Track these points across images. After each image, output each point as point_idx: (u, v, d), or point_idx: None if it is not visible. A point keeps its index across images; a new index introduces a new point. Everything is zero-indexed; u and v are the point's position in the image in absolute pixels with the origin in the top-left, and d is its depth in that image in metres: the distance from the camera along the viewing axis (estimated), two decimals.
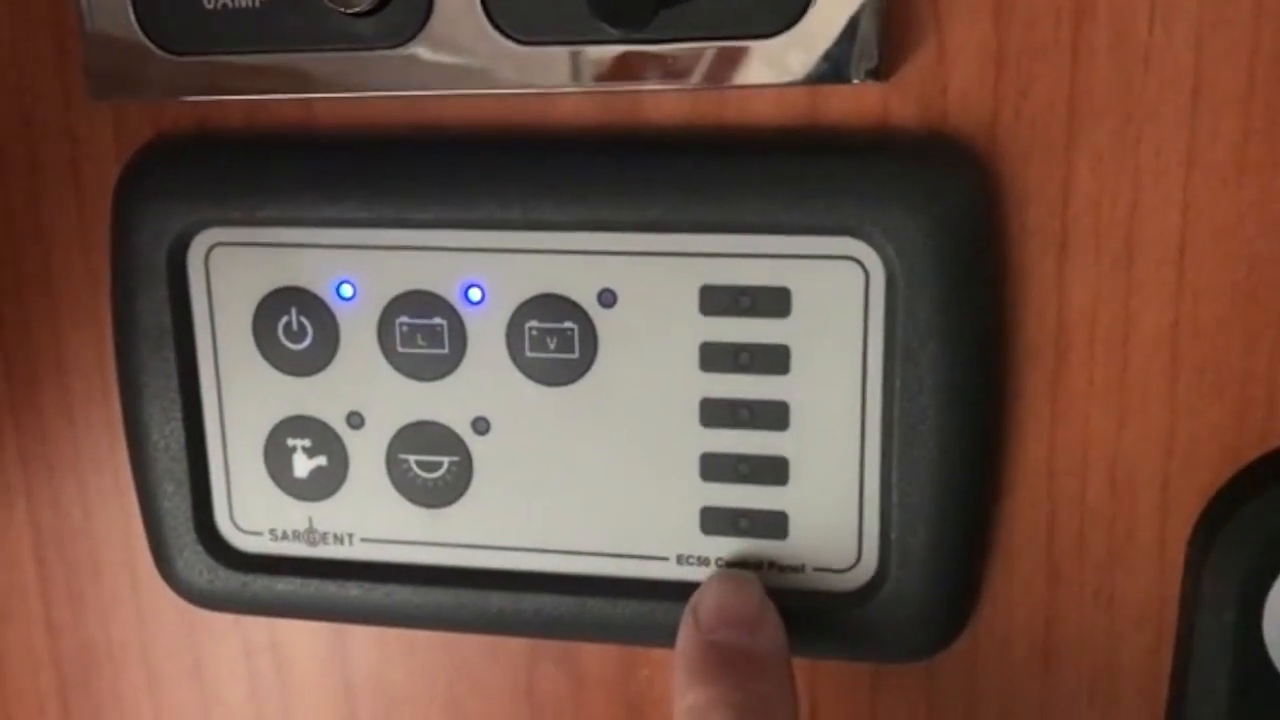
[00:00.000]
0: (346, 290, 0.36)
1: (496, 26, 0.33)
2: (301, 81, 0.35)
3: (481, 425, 0.37)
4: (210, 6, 0.35)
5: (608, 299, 0.35)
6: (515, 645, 0.40)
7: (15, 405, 0.41)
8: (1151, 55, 0.32)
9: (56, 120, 0.38)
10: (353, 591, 0.38)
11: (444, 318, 0.36)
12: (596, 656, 0.39)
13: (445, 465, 0.37)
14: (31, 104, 0.38)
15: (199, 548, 0.39)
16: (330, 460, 0.38)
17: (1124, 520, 0.34)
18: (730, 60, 0.32)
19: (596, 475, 0.36)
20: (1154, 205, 0.32)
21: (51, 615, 0.43)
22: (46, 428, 0.41)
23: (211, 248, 0.37)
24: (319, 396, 0.37)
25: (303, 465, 0.38)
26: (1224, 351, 0.33)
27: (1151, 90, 0.32)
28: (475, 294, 0.36)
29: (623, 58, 0.33)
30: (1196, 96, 0.32)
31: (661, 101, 0.34)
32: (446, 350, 0.36)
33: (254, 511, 0.39)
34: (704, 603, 0.34)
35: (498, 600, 0.37)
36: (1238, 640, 0.33)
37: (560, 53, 0.33)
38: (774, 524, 0.35)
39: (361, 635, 0.41)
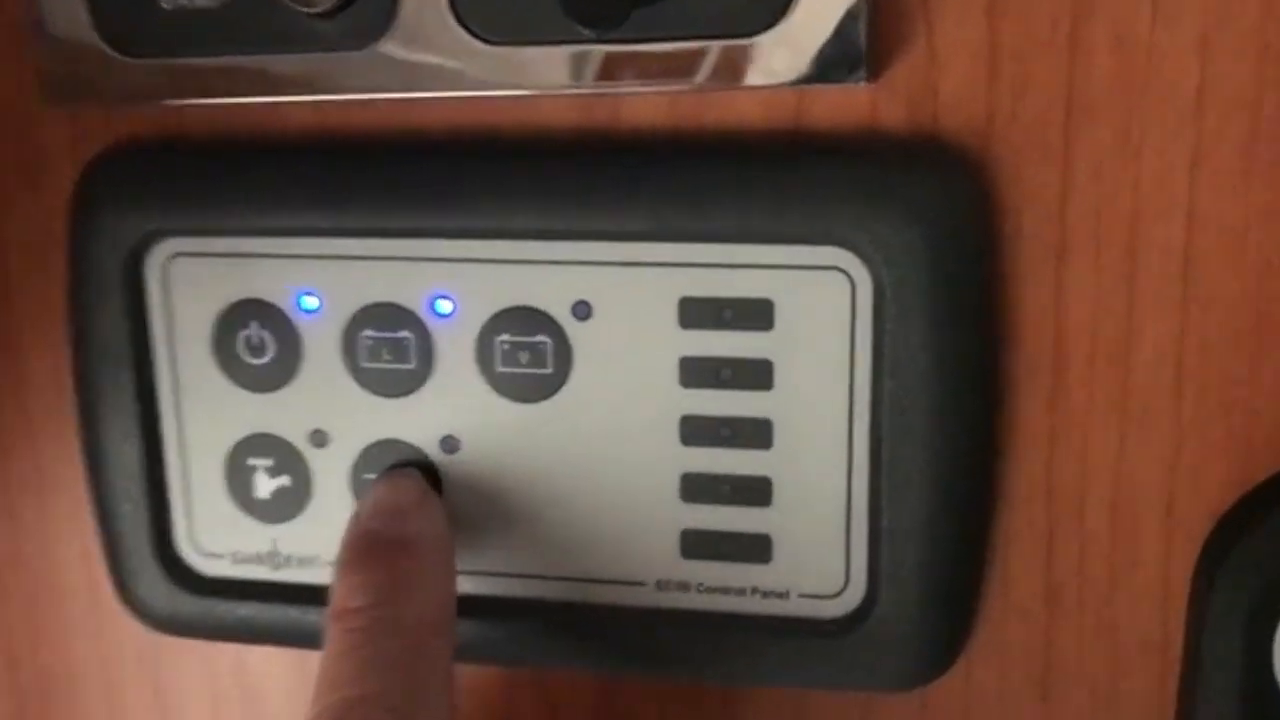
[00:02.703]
0: (309, 302, 0.35)
1: (465, 26, 0.32)
2: (262, 84, 0.33)
3: (450, 444, 0.35)
4: (168, 8, 0.33)
5: (582, 311, 0.33)
6: (490, 673, 0.38)
7: None
8: (1154, 54, 0.30)
9: (12, 127, 0.37)
10: (318, 617, 0.36)
11: (411, 331, 0.34)
12: (573, 684, 0.38)
13: None
14: None
15: (159, 571, 0.37)
16: (293, 480, 0.36)
17: (1126, 544, 0.33)
18: (710, 61, 0.31)
19: (571, 496, 0.35)
20: (1157, 212, 0.31)
21: (10, 640, 0.42)
22: (4, 445, 0.40)
23: (170, 258, 0.36)
24: (281, 414, 0.36)
25: (264, 486, 0.36)
26: (1231, 366, 0.31)
27: (1154, 91, 0.30)
28: (444, 306, 0.34)
29: (597, 59, 0.31)
30: (1201, 97, 0.30)
31: (638, 105, 0.33)
32: (414, 365, 0.35)
33: (215, 534, 0.37)
34: (363, 501, 0.35)
35: (469, 628, 0.35)
36: (1246, 672, 0.32)
37: (531, 54, 0.32)
38: (757, 547, 0.34)
39: None
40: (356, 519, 0.34)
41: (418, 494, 0.34)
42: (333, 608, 0.32)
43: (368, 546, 0.33)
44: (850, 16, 0.30)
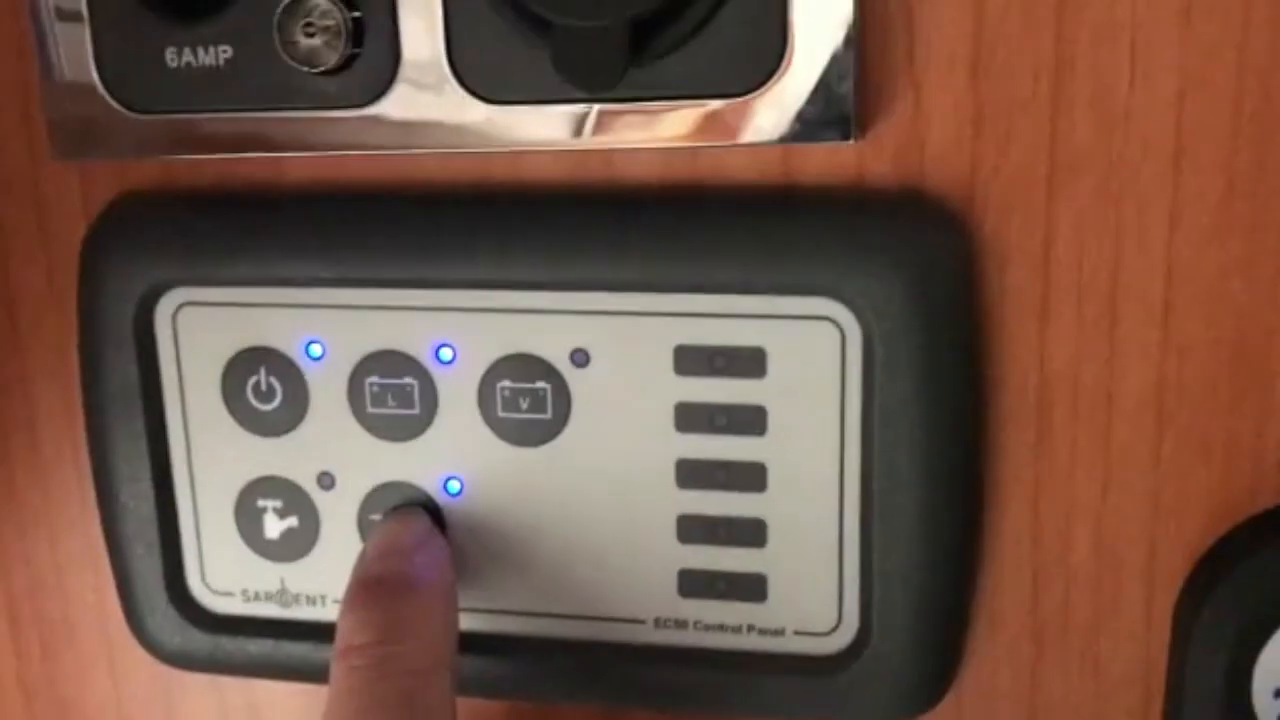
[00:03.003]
0: (316, 350, 0.36)
1: (464, 85, 0.33)
2: (267, 141, 0.34)
3: (454, 486, 0.36)
4: (174, 65, 0.34)
5: (580, 359, 0.34)
6: (494, 707, 0.39)
7: None
8: (1133, 111, 0.31)
9: (23, 179, 0.38)
10: (326, 654, 0.37)
11: (415, 377, 0.35)
12: (576, 718, 0.38)
13: None
14: None
15: (171, 609, 0.38)
16: (301, 521, 0.37)
17: (1109, 583, 0.34)
18: (702, 120, 0.32)
19: (571, 537, 0.36)
20: (1137, 264, 0.32)
21: (25, 675, 0.43)
22: (17, 486, 0.41)
23: (179, 307, 0.36)
24: (289, 457, 0.37)
25: (274, 526, 0.37)
26: (1210, 412, 0.32)
27: (1133, 147, 0.31)
28: (446, 354, 0.35)
29: (592, 117, 0.32)
30: (1179, 154, 0.31)
31: (633, 160, 0.34)
32: (417, 410, 0.36)
33: (226, 572, 0.38)
34: (368, 542, 0.35)
35: (473, 664, 0.36)
36: (1226, 707, 0.32)
37: (529, 112, 0.32)
38: (753, 587, 0.35)
39: None
40: (362, 558, 0.35)
41: (421, 534, 0.35)
42: (337, 646, 0.33)
43: (372, 585, 0.34)
44: (838, 77, 0.31)
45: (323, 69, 0.32)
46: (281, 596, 0.38)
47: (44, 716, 0.43)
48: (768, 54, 0.31)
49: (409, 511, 0.36)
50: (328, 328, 0.36)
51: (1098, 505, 0.33)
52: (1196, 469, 0.32)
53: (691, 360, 0.34)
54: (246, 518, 0.38)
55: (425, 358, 0.35)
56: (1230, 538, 0.33)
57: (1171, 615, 0.33)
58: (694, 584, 0.35)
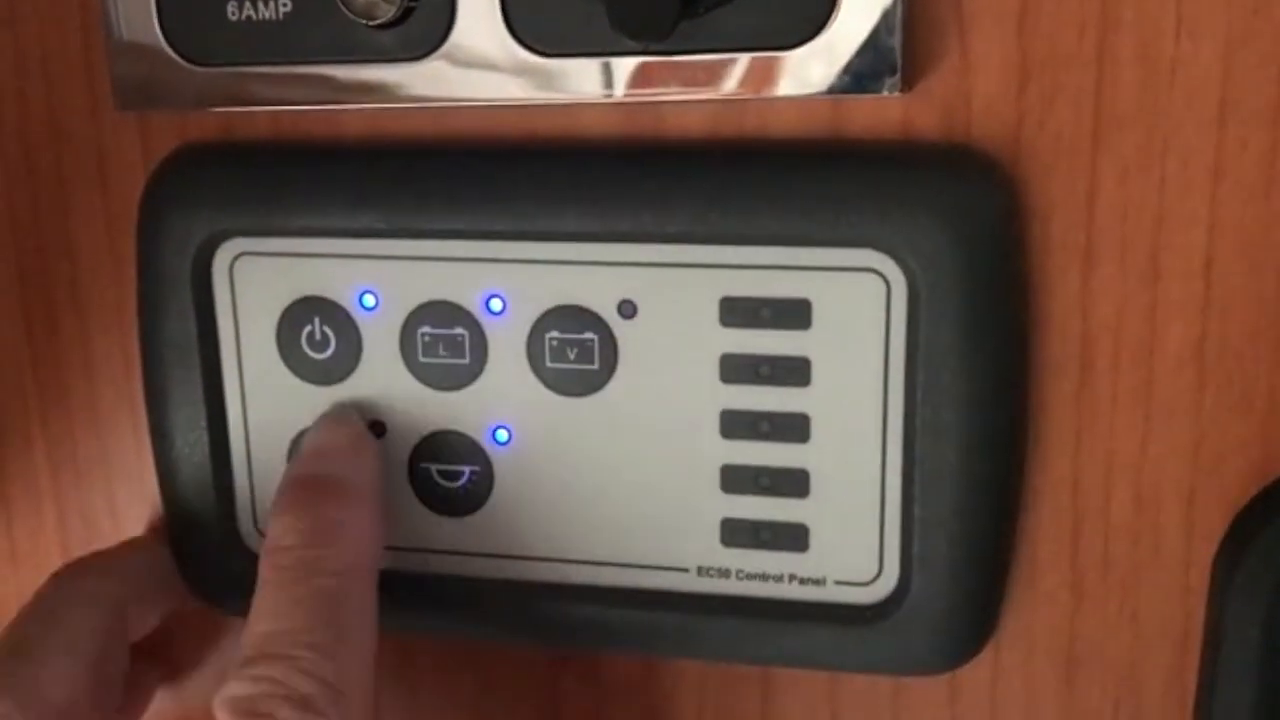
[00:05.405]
0: (369, 300, 0.37)
1: (518, 38, 0.33)
2: (324, 93, 0.35)
3: (502, 435, 0.37)
4: (234, 18, 0.35)
5: (628, 310, 0.35)
6: (539, 654, 0.40)
7: (45, 413, 0.42)
8: (1178, 66, 0.31)
9: (84, 131, 0.39)
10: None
11: (465, 328, 0.36)
12: (619, 666, 0.39)
13: (466, 475, 0.37)
14: (60, 115, 0.39)
15: (223, 553, 0.39)
16: None
17: (1149, 535, 0.34)
18: (752, 72, 0.32)
19: (616, 486, 0.36)
20: (1180, 217, 0.32)
21: None
22: (75, 435, 0.42)
23: (236, 257, 0.37)
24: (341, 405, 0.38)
25: None
26: (1251, 365, 0.32)
27: (1178, 101, 0.31)
28: (496, 304, 0.36)
29: (644, 69, 0.33)
30: (1224, 108, 0.31)
31: (683, 113, 0.34)
32: (468, 360, 0.36)
33: None
34: (302, 443, 0.37)
35: (519, 610, 0.37)
36: (1264, 659, 0.33)
37: (581, 64, 0.33)
38: (795, 536, 0.35)
39: (385, 643, 0.41)
40: (296, 459, 0.36)
41: (351, 438, 0.36)
42: (265, 545, 0.34)
43: (301, 488, 0.35)
44: (886, 29, 0.31)
45: (380, 22, 0.33)
46: None
47: None
48: (816, 6, 0.31)
49: (340, 416, 0.37)
50: (381, 278, 0.36)
51: (1138, 457, 0.33)
52: (1237, 422, 0.33)
53: (737, 312, 0.34)
54: None
55: (476, 308, 0.36)
56: (1270, 491, 0.33)
57: (1210, 567, 0.34)
58: (736, 533, 0.36)
